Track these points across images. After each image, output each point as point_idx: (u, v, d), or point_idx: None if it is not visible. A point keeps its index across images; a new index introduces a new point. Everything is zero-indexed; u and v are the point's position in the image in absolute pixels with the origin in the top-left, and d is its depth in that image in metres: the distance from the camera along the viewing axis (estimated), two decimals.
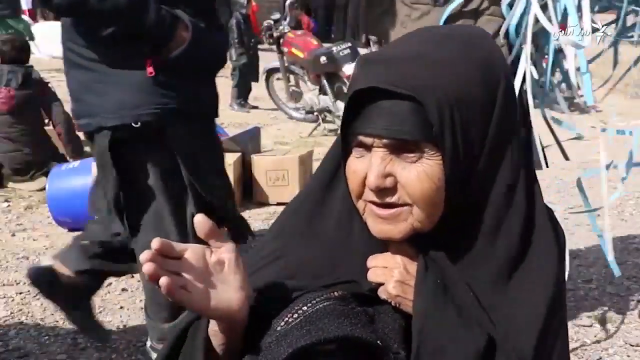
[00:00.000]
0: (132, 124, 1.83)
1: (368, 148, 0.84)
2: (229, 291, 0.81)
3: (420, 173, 0.81)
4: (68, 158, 4.38)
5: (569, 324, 2.57)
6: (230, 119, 6.80)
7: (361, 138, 0.83)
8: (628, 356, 2.38)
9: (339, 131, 0.90)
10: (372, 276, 0.87)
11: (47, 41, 10.80)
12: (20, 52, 4.32)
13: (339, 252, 0.92)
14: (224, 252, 0.82)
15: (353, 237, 0.92)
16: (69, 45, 1.92)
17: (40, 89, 4.25)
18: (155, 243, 0.76)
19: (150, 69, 1.83)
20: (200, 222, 0.80)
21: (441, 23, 1.91)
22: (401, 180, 0.82)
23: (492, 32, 1.94)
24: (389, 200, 0.83)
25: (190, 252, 0.80)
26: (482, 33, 0.91)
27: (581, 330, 2.55)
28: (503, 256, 0.86)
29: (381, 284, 0.87)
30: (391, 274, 0.86)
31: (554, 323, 0.87)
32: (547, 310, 0.85)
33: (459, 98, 0.79)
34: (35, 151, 4.23)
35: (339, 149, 0.90)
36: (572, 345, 2.42)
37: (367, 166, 0.83)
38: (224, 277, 0.81)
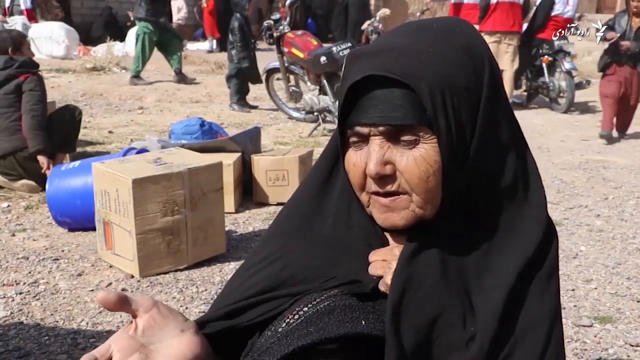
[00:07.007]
0: None
1: (365, 139, 0.85)
2: (172, 345, 0.83)
3: (417, 157, 0.83)
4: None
5: (569, 323, 2.57)
6: (230, 119, 6.79)
7: (358, 129, 0.85)
8: (628, 356, 2.38)
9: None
10: (372, 269, 0.88)
11: (46, 41, 10.82)
12: None
13: (338, 250, 0.92)
14: (143, 313, 0.83)
15: (351, 234, 0.93)
16: None
17: (22, 71, 4.06)
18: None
19: None
20: (103, 299, 0.81)
21: None
22: (400, 167, 0.84)
23: None
24: (389, 188, 0.85)
25: (116, 344, 0.81)
26: (461, 21, 0.92)
27: (581, 330, 2.55)
28: (487, 241, 0.87)
29: (381, 277, 0.87)
30: (389, 266, 0.86)
31: (532, 287, 0.86)
32: (516, 276, 0.84)
33: (448, 83, 0.81)
34: (2, 137, 4.04)
35: (336, 146, 0.91)
36: (572, 345, 2.42)
37: (366, 157, 0.85)
38: (160, 336, 0.83)
